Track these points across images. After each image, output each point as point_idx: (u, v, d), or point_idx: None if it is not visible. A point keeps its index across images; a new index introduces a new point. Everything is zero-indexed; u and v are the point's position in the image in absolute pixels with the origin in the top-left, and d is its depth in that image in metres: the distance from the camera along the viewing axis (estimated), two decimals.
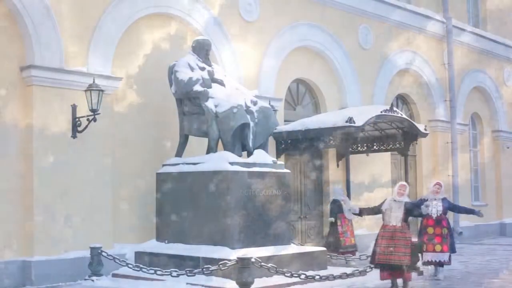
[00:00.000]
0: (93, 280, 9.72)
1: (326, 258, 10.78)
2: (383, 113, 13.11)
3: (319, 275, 9.26)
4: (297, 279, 9.15)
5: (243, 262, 8.47)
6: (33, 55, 10.01)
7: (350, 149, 14.20)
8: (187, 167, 10.53)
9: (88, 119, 10.24)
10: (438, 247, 10.57)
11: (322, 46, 14.99)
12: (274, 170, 10.55)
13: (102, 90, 10.18)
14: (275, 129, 11.75)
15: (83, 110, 10.28)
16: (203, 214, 10.15)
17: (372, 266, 9.51)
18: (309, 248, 11.37)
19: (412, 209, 9.62)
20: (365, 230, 14.39)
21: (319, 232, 14.54)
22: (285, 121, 14.00)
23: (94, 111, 10.09)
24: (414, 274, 10.04)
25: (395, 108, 13.64)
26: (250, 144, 10.63)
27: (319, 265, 10.38)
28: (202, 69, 11.04)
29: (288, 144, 13.58)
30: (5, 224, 9.67)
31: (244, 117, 10.44)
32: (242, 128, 10.52)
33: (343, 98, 15.47)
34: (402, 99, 17.92)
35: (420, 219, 10.93)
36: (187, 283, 9.10)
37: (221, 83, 11.06)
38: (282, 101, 14.01)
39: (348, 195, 13.35)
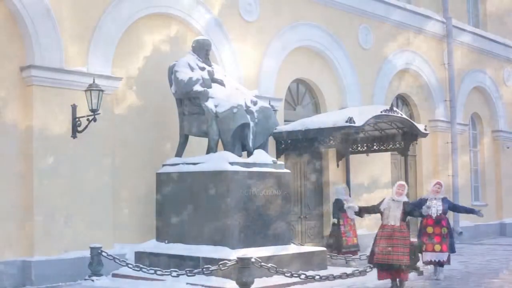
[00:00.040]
0: (93, 280, 9.71)
1: (326, 258, 10.77)
2: (383, 113, 13.10)
3: (319, 275, 9.26)
4: (297, 279, 9.15)
5: (243, 262, 8.46)
6: (33, 55, 10.00)
7: (350, 149, 14.19)
8: (187, 167, 10.53)
9: (88, 119, 10.24)
10: (437, 247, 10.57)
11: (322, 46, 14.98)
12: (274, 170, 10.54)
13: (102, 90, 10.17)
14: (275, 129, 11.74)
15: (83, 110, 10.28)
16: (203, 214, 10.14)
17: (371, 266, 9.51)
18: (309, 248, 11.37)
19: (413, 211, 9.63)
20: (365, 230, 14.35)
21: (319, 232, 14.53)
22: (285, 121, 13.98)
23: (94, 111, 10.08)
24: (414, 274, 10.05)
25: (395, 108, 13.62)
26: (250, 144, 10.62)
27: (319, 265, 10.37)
28: (202, 69, 11.04)
29: (288, 144, 13.57)
30: (5, 224, 9.66)
31: (244, 117, 10.43)
32: (242, 128, 10.51)
33: (343, 98, 15.46)
34: (402, 99, 17.92)
35: (420, 219, 10.93)
36: (187, 283, 9.09)
37: (221, 83, 11.05)
38: (282, 101, 14.00)
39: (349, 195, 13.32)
